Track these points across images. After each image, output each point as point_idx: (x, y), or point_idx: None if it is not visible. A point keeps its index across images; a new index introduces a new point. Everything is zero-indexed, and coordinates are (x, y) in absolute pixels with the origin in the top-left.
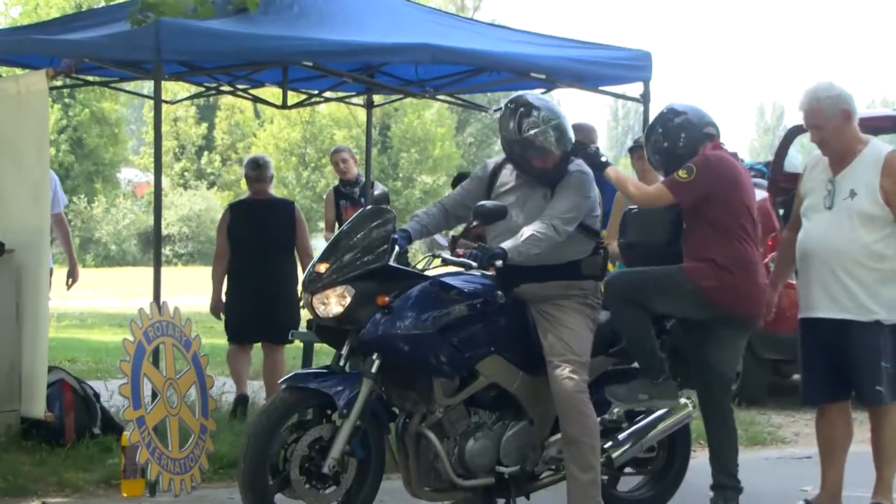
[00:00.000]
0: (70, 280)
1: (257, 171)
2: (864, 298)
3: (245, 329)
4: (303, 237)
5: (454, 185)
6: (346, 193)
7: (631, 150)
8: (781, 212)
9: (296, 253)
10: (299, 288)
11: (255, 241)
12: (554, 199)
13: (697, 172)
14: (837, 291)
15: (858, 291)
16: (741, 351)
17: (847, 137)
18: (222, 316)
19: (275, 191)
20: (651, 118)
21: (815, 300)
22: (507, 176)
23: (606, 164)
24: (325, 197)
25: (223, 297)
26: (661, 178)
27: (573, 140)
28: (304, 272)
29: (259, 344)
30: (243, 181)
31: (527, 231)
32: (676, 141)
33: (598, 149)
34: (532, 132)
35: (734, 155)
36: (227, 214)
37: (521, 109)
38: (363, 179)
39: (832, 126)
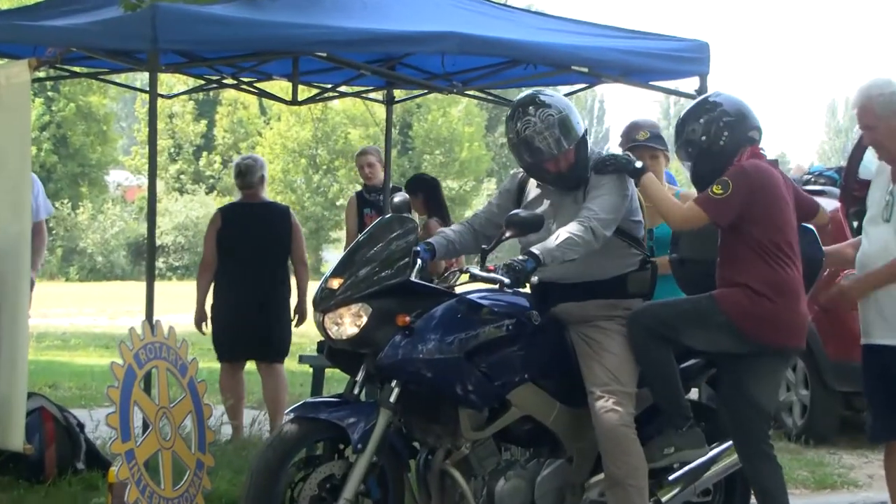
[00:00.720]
0: None
1: (241, 178)
2: None
3: (237, 345)
4: (299, 245)
5: (408, 190)
6: (371, 200)
7: (631, 149)
8: (855, 224)
9: (289, 262)
10: (292, 301)
11: (248, 249)
12: (588, 200)
13: (734, 187)
14: (893, 314)
15: None
16: (781, 383)
17: None
18: (205, 330)
19: (282, 196)
20: None
21: (870, 324)
22: (535, 185)
23: (642, 169)
24: (347, 204)
25: (208, 310)
26: (678, 178)
27: (581, 133)
28: (298, 283)
29: (253, 365)
30: None
31: (563, 233)
32: (717, 139)
33: (628, 155)
34: (528, 132)
35: (774, 163)
36: (218, 219)
37: (520, 109)
38: (391, 185)
39: (886, 127)
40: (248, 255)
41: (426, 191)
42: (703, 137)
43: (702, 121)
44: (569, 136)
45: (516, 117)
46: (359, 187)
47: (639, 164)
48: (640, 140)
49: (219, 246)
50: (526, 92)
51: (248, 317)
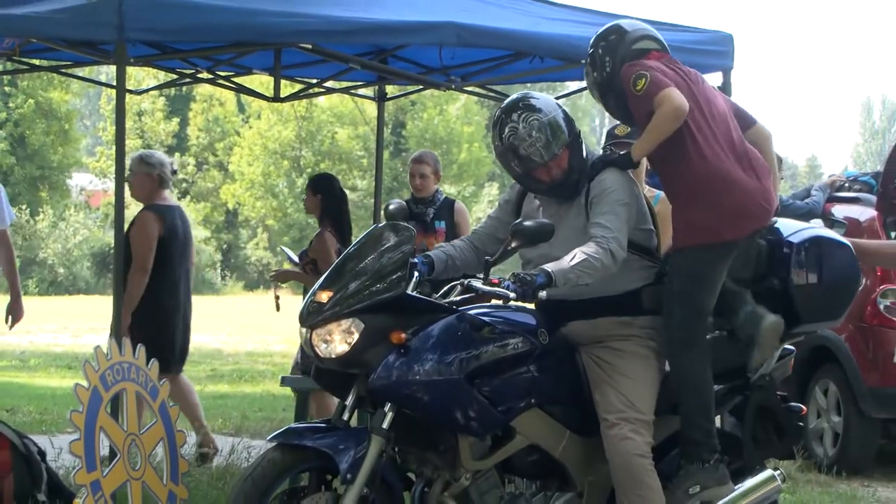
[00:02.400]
0: (10, 318)
1: (174, 174)
2: None
3: (179, 359)
4: (192, 253)
5: (311, 188)
6: (417, 213)
7: (612, 147)
8: (893, 234)
9: None
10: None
11: (178, 256)
12: (599, 215)
13: (647, 69)
14: None
15: None
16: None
17: None
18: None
19: (262, 202)
20: None
21: None
22: (534, 195)
23: (629, 155)
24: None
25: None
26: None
27: (571, 136)
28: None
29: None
30: (223, 190)
31: (579, 254)
32: (603, 68)
33: (611, 148)
34: (513, 139)
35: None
36: (159, 221)
37: (503, 116)
38: (441, 197)
39: None
40: (179, 262)
41: (326, 193)
42: (596, 74)
43: (589, 61)
44: (558, 140)
45: (500, 124)
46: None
47: (622, 153)
48: (620, 136)
49: (157, 251)
50: (510, 97)
51: (184, 329)
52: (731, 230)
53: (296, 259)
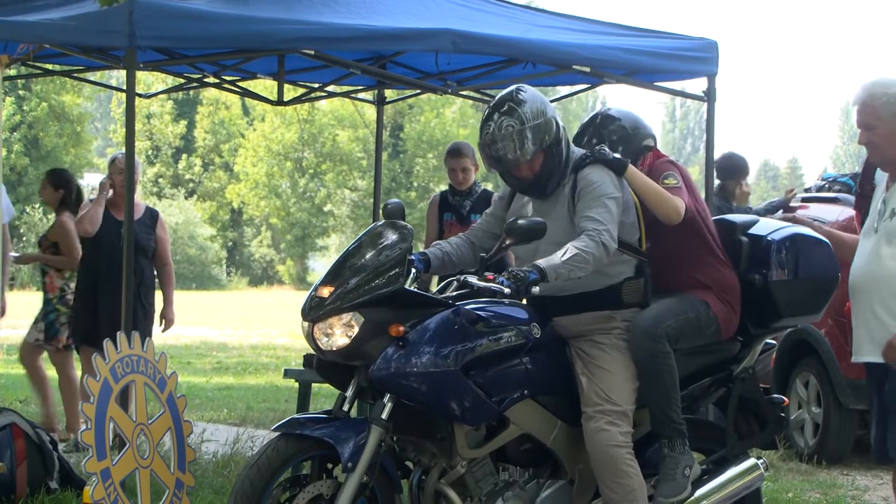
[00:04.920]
0: None
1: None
2: None
3: None
4: None
5: (51, 184)
6: (454, 205)
7: None
8: None
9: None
10: None
11: None
12: (588, 209)
13: (679, 173)
14: (877, 330)
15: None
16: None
17: None
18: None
19: (266, 202)
20: (715, 120)
21: (857, 341)
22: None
23: (624, 161)
24: (428, 204)
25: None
26: None
27: (543, 142)
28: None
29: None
30: (228, 190)
31: (570, 248)
32: (613, 149)
33: (602, 147)
34: (488, 137)
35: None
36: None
37: (487, 111)
38: (480, 189)
39: (885, 130)
40: None
41: (66, 188)
42: (596, 144)
43: (594, 141)
44: (526, 148)
45: (484, 122)
46: (444, 187)
47: (617, 156)
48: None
49: None
50: (505, 90)
51: None
52: (725, 334)
53: (16, 254)
